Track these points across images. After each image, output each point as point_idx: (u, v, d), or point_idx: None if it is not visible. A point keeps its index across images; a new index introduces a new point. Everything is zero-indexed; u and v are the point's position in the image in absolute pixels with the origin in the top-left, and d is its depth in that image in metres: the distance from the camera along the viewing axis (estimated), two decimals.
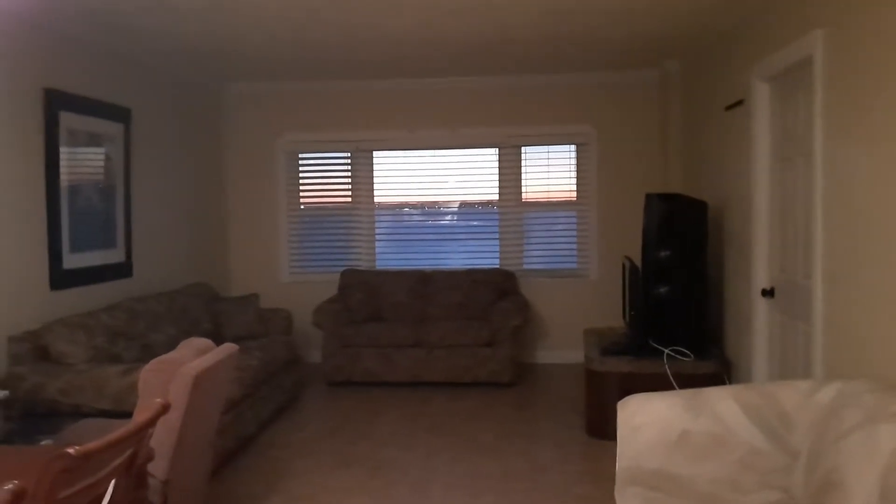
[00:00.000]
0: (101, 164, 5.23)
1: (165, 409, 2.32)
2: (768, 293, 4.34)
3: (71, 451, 1.73)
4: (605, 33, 5.27)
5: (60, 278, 4.70)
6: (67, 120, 4.77)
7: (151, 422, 2.24)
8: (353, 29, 5.01)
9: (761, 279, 4.42)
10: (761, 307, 4.44)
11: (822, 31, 3.47)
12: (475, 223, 7.48)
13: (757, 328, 4.47)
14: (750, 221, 4.53)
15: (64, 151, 4.74)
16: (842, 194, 3.32)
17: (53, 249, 4.65)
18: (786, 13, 3.98)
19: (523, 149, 7.19)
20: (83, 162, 5.01)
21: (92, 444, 1.83)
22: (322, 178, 7.51)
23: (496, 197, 7.27)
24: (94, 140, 5.11)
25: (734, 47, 4.93)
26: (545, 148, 7.20)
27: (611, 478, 3.07)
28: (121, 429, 2.04)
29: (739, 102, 4.74)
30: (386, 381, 6.26)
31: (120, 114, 5.40)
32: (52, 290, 4.63)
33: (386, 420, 5.40)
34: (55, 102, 4.65)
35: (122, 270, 5.42)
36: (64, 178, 4.74)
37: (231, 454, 4.52)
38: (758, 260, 4.45)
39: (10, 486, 1.54)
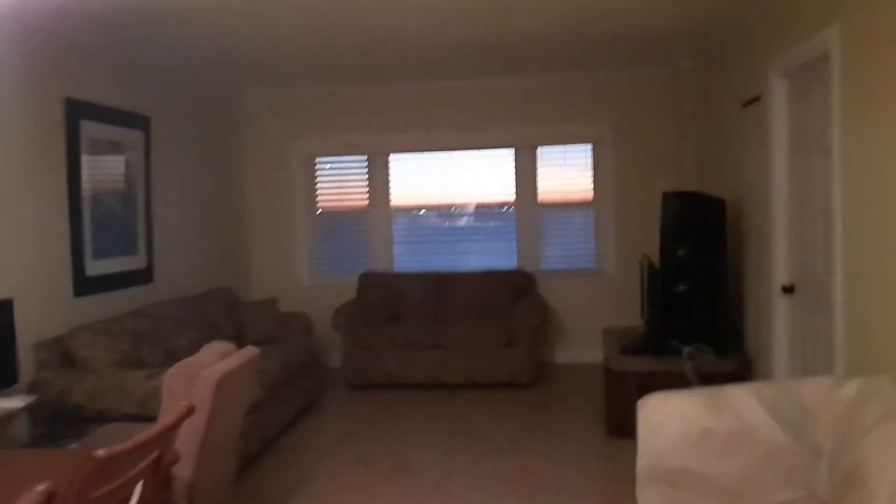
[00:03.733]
0: (122, 171, 5.29)
1: (191, 411, 2.36)
2: (788, 290, 4.31)
3: (101, 452, 1.76)
4: (619, 32, 5.27)
5: (83, 285, 4.77)
6: (88, 129, 4.84)
7: (177, 424, 2.27)
8: (367, 33, 5.04)
9: (781, 276, 4.40)
10: (781, 304, 4.41)
11: (839, 25, 3.45)
12: (492, 224, 7.49)
13: (777, 325, 4.45)
14: (769, 218, 4.51)
15: (85, 160, 4.80)
16: (861, 190, 3.30)
17: (76, 256, 4.71)
18: (802, 8, 3.97)
19: (539, 149, 7.19)
20: (104, 170, 5.08)
21: (120, 446, 1.87)
22: (339, 182, 7.55)
23: (512, 197, 7.28)
24: (114, 148, 5.18)
25: (750, 43, 4.91)
26: (561, 147, 7.20)
27: (631, 477, 3.07)
28: (147, 431, 2.07)
29: (756, 99, 4.72)
30: (406, 382, 6.28)
31: (140, 122, 5.46)
32: (75, 297, 4.69)
33: (406, 421, 5.42)
34: (76, 112, 4.71)
35: (143, 276, 5.48)
36: (86, 185, 4.81)
37: (254, 456, 4.55)
38: (777, 256, 4.43)
39: (43, 486, 1.57)
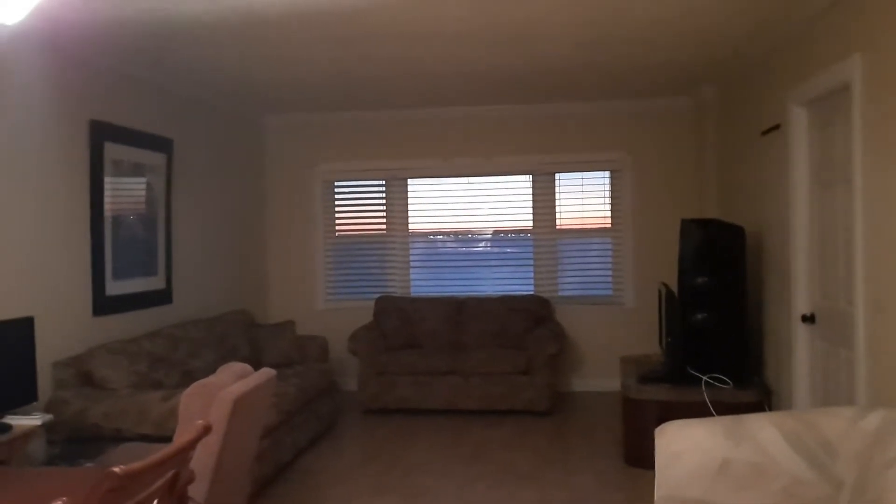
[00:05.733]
0: (144, 193, 5.35)
1: (207, 430, 2.35)
2: (809, 319, 4.27)
3: (117, 470, 1.77)
4: (640, 62, 5.29)
5: (103, 305, 4.80)
6: (112, 150, 4.90)
7: (194, 443, 2.27)
8: (388, 61, 5.10)
9: (802, 305, 4.36)
10: (802, 334, 4.37)
11: (861, 55, 3.45)
12: (509, 250, 7.49)
13: (798, 355, 4.40)
14: (789, 247, 4.48)
15: (108, 181, 4.87)
16: (883, 219, 3.27)
17: (97, 276, 4.75)
18: (823, 38, 3.97)
19: (557, 175, 7.21)
20: (126, 191, 5.14)
21: (137, 464, 1.87)
22: (357, 207, 7.59)
23: (530, 224, 7.28)
24: (137, 170, 5.24)
25: (770, 73, 4.91)
26: (579, 175, 7.21)
27: None
28: (164, 449, 2.07)
29: (776, 127, 4.71)
30: (421, 408, 6.25)
31: (162, 144, 5.53)
32: (94, 316, 4.72)
33: (422, 448, 5.39)
34: (100, 133, 4.78)
35: (162, 297, 5.52)
36: (108, 206, 4.87)
37: (268, 480, 4.53)
38: (798, 285, 4.39)
39: (60, 502, 1.57)
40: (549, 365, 6.17)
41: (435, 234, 7.52)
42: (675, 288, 5.23)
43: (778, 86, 4.69)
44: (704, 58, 5.21)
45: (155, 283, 5.45)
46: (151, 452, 2.12)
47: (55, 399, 4.13)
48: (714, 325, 4.90)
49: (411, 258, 7.46)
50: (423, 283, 7.46)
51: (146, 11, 3.87)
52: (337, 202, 7.54)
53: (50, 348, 4.22)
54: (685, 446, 2.91)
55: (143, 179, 5.34)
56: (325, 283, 7.50)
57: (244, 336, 5.90)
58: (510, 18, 4.19)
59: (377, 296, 7.11)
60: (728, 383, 4.76)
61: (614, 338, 6.96)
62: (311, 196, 7.46)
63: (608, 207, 7.16)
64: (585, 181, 7.21)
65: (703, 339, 4.90)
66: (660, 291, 5.62)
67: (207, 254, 6.28)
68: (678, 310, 4.98)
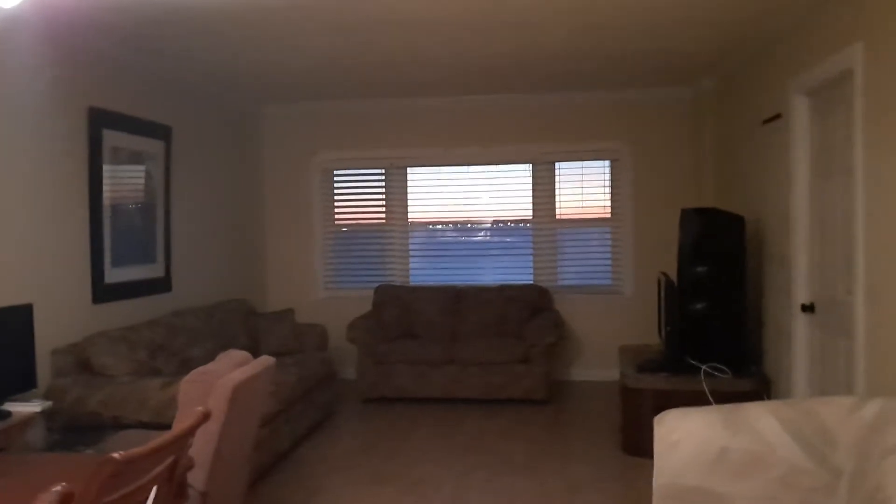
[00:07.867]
0: (142, 181, 5.34)
1: (206, 416, 2.36)
2: (808, 309, 4.27)
3: (117, 456, 1.77)
4: (640, 51, 5.27)
5: (102, 292, 4.79)
6: (110, 138, 4.89)
7: (193, 429, 2.27)
8: (387, 49, 5.08)
9: (801, 295, 4.36)
10: (801, 323, 4.37)
11: (863, 43, 3.44)
12: (508, 239, 7.48)
13: (797, 344, 4.40)
14: (789, 236, 4.48)
15: (107, 169, 4.85)
16: (884, 209, 3.27)
17: (96, 264, 4.74)
18: (825, 26, 3.95)
19: (557, 165, 7.19)
20: (125, 179, 5.12)
21: (136, 450, 1.87)
22: (356, 196, 7.58)
23: (530, 213, 7.27)
24: (135, 158, 5.23)
25: (771, 61, 4.90)
26: (579, 164, 7.20)
27: (647, 496, 3.03)
28: (163, 436, 2.07)
29: (777, 116, 4.70)
30: (420, 397, 6.26)
31: (161, 132, 5.51)
32: (94, 304, 4.72)
33: (420, 437, 5.40)
34: (99, 121, 4.76)
35: (161, 285, 5.51)
36: (106, 194, 4.85)
37: (266, 468, 4.54)
38: (797, 275, 4.39)
39: (59, 488, 1.57)
40: (548, 354, 6.18)
41: (434, 223, 7.51)
42: (674, 277, 5.23)
43: (779, 74, 4.68)
44: (705, 46, 5.19)
45: (154, 270, 5.45)
46: (150, 439, 2.12)
47: (54, 386, 4.13)
48: (713, 315, 4.90)
49: (410, 247, 7.46)
50: (422, 273, 7.45)
51: None
52: (336, 191, 7.53)
53: (49, 336, 4.21)
54: (684, 435, 2.92)
55: (142, 167, 5.33)
56: (324, 272, 7.50)
57: (243, 324, 5.90)
58: (510, 6, 4.17)
59: (376, 285, 7.11)
60: (727, 372, 4.76)
61: (613, 327, 6.96)
62: (309, 185, 7.45)
63: (608, 197, 7.15)
64: (585, 171, 7.20)
65: (702, 329, 4.91)
66: (659, 281, 5.62)
67: (206, 242, 6.27)
68: (677, 299, 4.98)
